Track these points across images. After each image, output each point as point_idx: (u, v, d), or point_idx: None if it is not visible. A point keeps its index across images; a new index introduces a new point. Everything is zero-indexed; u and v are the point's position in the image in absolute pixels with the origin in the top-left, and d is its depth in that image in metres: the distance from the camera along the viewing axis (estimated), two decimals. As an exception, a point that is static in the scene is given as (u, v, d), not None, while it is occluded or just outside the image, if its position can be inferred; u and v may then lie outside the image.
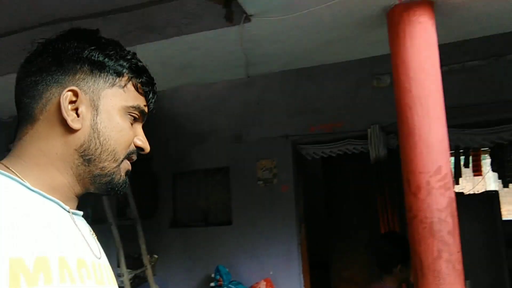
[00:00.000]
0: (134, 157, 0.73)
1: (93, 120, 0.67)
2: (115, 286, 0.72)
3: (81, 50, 0.68)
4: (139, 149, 0.73)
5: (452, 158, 6.66)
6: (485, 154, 6.20)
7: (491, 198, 5.08)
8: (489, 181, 7.48)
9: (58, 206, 0.65)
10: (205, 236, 4.80)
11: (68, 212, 0.67)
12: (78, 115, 0.66)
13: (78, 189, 0.69)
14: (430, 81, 1.99)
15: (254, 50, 2.73)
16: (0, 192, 0.57)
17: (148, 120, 0.76)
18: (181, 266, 4.85)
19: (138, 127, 0.73)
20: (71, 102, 0.66)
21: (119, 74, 0.70)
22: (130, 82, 0.71)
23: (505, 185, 6.04)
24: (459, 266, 1.67)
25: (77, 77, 0.67)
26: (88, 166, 0.68)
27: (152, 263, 4.62)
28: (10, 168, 0.63)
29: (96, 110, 0.67)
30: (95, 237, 0.75)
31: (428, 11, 1.97)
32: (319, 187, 5.39)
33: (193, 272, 4.77)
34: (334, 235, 5.15)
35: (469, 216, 5.02)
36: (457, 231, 1.72)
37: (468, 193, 5.47)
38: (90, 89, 0.67)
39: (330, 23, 2.30)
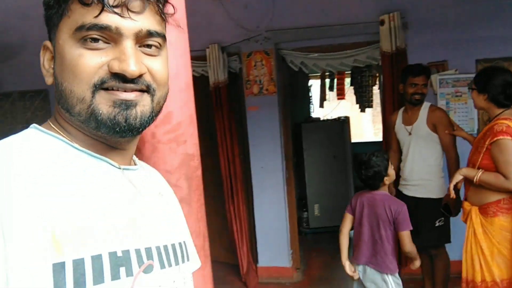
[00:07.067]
0: (117, 84, 0.57)
1: (54, 69, 0.61)
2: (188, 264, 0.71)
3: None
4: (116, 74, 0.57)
5: (318, 81, 6.63)
6: (349, 78, 6.23)
7: (342, 123, 5.17)
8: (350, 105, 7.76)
9: (108, 165, 0.62)
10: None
11: (119, 168, 0.63)
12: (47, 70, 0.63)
13: (94, 141, 0.62)
14: None
15: None
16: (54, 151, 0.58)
17: None
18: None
19: (117, 47, 0.57)
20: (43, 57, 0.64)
21: (61, 2, 0.58)
22: (74, 1, 0.57)
23: (362, 109, 6.24)
24: (199, 242, 1.32)
25: (48, 30, 0.62)
26: (72, 117, 0.60)
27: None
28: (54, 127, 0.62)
29: (54, 57, 0.61)
30: (168, 191, 0.76)
31: None
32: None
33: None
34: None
35: (325, 139, 5.10)
36: (196, 198, 1.36)
37: (324, 118, 5.51)
38: (51, 38, 0.62)
39: None
